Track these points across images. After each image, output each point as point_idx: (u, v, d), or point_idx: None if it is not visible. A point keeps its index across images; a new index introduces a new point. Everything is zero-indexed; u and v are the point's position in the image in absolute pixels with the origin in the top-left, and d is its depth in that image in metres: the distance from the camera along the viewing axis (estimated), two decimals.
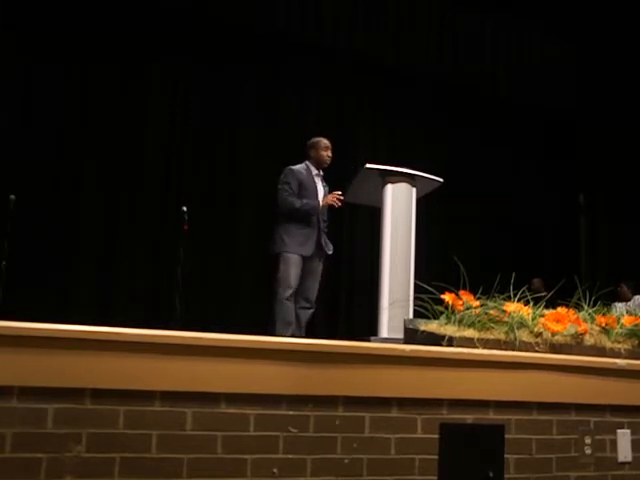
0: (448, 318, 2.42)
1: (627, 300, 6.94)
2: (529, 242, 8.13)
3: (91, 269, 6.16)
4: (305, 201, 4.58)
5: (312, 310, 4.65)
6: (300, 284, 4.54)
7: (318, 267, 4.65)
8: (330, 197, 4.52)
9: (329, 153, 4.73)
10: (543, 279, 6.73)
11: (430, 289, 2.49)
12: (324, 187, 4.74)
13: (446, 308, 2.45)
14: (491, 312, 2.44)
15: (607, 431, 2.37)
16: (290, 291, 4.45)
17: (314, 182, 4.71)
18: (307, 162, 4.75)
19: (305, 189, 4.64)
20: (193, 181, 6.70)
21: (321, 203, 4.59)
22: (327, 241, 4.68)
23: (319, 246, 4.60)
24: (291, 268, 4.47)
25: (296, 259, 4.49)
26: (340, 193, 4.46)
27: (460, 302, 2.44)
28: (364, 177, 3.74)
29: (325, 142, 4.76)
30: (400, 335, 2.68)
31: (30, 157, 5.95)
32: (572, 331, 2.47)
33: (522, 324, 2.42)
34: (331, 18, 7.26)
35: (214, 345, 1.87)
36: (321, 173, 4.80)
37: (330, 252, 4.70)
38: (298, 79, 7.36)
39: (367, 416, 2.01)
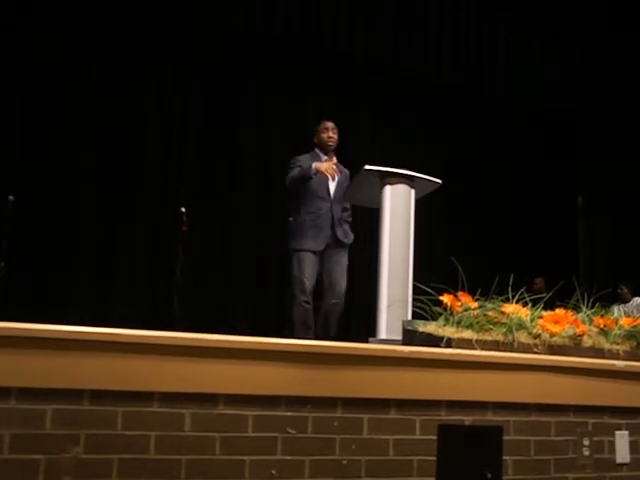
0: (446, 319, 2.41)
1: (627, 302, 6.94)
2: (527, 243, 8.13)
3: (90, 270, 6.16)
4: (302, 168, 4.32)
5: (341, 304, 4.36)
6: (328, 277, 4.32)
7: (342, 258, 4.39)
8: (325, 165, 4.26)
9: (330, 134, 4.49)
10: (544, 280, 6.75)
11: (429, 290, 2.50)
12: (339, 171, 4.43)
13: (445, 309, 2.45)
14: (489, 313, 2.44)
15: (605, 432, 2.38)
16: (305, 293, 4.22)
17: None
18: (315, 149, 4.56)
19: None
20: (193, 181, 6.70)
21: (313, 167, 4.26)
22: (347, 231, 4.48)
23: (335, 237, 4.38)
24: (303, 267, 4.25)
25: (308, 256, 4.27)
26: (335, 162, 4.30)
27: (459, 303, 2.44)
28: (363, 178, 3.72)
29: (325, 124, 4.55)
30: (399, 336, 2.67)
31: (30, 157, 5.95)
32: (570, 332, 2.47)
33: (521, 325, 2.42)
34: (331, 18, 7.26)
35: (212, 346, 1.87)
36: (334, 159, 4.46)
37: (350, 242, 4.47)
38: (298, 79, 7.36)
39: (365, 417, 2.01)
